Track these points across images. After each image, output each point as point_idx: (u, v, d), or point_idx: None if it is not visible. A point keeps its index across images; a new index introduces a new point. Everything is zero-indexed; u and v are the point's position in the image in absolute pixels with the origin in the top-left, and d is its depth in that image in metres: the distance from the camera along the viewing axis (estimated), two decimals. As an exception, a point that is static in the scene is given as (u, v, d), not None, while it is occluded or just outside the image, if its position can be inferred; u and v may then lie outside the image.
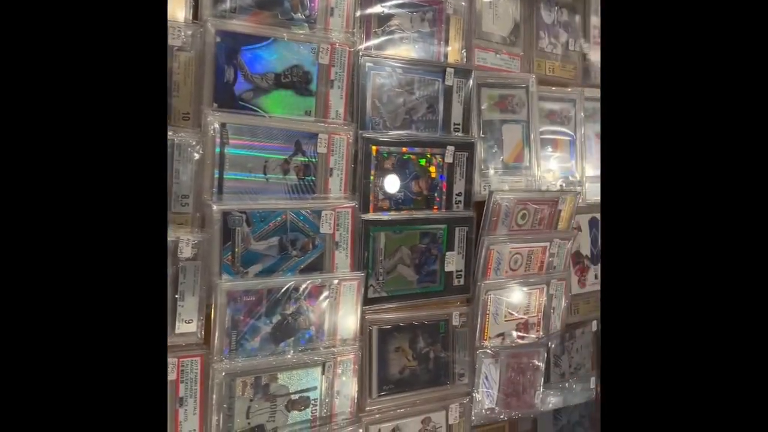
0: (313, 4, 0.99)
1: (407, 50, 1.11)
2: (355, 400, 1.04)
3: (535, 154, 1.28)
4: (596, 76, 1.42)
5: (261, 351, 0.96)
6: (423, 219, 1.12)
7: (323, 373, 1.01)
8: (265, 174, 0.96)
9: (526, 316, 1.25)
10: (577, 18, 1.39)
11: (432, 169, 1.13)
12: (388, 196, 1.08)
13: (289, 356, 0.98)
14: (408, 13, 1.11)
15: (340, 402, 1.02)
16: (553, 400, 1.32)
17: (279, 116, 0.97)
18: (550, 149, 1.33)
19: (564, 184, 1.32)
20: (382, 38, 1.08)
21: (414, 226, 1.11)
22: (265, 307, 0.96)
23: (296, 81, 0.98)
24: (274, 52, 0.96)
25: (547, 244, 1.26)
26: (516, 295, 1.23)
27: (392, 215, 1.09)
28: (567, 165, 1.35)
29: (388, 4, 1.08)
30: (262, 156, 0.95)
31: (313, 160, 1.00)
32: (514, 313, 1.24)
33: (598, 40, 1.43)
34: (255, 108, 0.94)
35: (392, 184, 1.08)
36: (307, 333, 1.00)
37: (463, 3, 1.17)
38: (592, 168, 1.40)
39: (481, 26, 1.23)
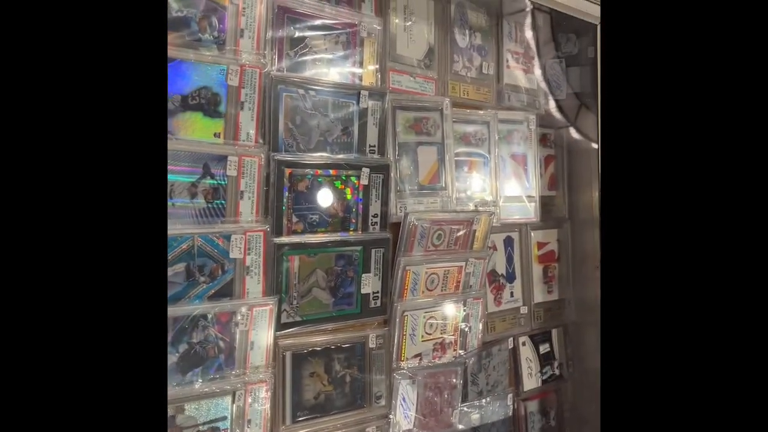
0: (222, 26, 0.97)
1: (321, 72, 1.11)
2: (268, 429, 1.02)
3: (451, 175, 1.30)
4: (510, 98, 1.46)
5: (167, 382, 0.92)
6: (338, 241, 1.11)
7: (233, 402, 0.98)
8: (171, 198, 0.93)
9: (443, 336, 1.27)
10: (491, 42, 1.44)
11: (348, 190, 1.13)
12: (302, 219, 1.07)
13: (197, 386, 0.95)
14: (322, 35, 1.11)
15: (252, 431, 1.00)
16: (472, 418, 1.33)
17: (186, 138, 0.94)
18: (465, 170, 1.36)
19: (479, 205, 1.35)
20: (296, 60, 1.07)
21: (329, 249, 1.11)
22: (171, 336, 0.92)
23: (204, 103, 0.96)
24: (181, 73, 0.93)
25: (463, 263, 1.28)
26: (433, 315, 1.24)
27: (306, 238, 1.07)
28: (482, 186, 1.38)
29: (301, 26, 1.08)
30: (168, 179, 0.92)
31: (223, 183, 0.97)
32: (430, 333, 1.25)
33: (511, 63, 1.48)
34: (159, 130, 0.91)
35: (306, 206, 1.07)
36: (216, 361, 0.97)
37: (377, 26, 1.18)
38: (506, 188, 1.44)
39: (395, 49, 1.24)
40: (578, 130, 1.57)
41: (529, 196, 1.48)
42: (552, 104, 1.56)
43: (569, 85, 1.56)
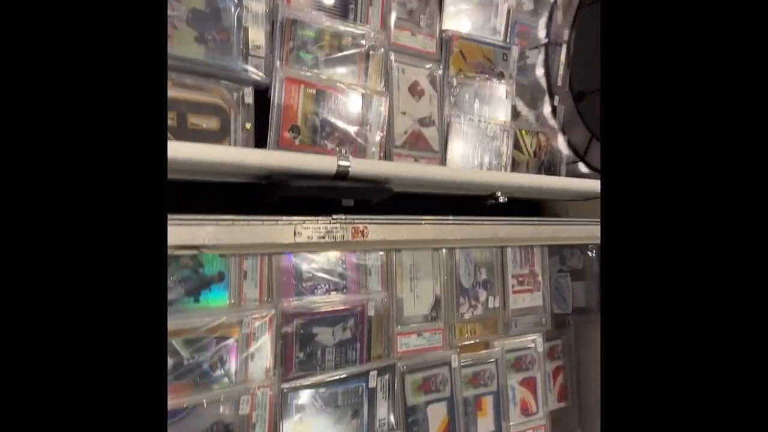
0: (230, 356, 1.00)
1: (328, 370, 1.12)
2: None
3: (464, 427, 1.30)
4: (516, 324, 1.47)
5: None
6: None
7: None
8: None
9: None
10: (496, 272, 1.46)
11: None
12: None
13: None
14: (328, 328, 1.13)
15: None
16: None
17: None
18: (476, 412, 1.37)
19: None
20: (301, 373, 1.09)
21: None
22: None
23: (216, 435, 0.97)
24: (195, 417, 0.95)
25: None
26: None
27: None
28: (491, 428, 1.39)
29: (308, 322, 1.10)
30: None
31: None
32: None
33: (516, 288, 1.49)
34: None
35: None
36: None
37: (383, 298, 1.20)
38: (514, 416, 1.44)
39: (402, 313, 1.26)
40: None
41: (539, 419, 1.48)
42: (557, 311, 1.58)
43: (574, 299, 1.58)
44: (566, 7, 1.63)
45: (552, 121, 1.60)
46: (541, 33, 1.59)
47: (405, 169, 1.10)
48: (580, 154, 1.62)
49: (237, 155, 0.90)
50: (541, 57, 1.59)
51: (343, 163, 1.01)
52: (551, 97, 1.59)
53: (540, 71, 1.59)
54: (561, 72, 1.60)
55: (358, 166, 1.02)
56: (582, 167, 1.62)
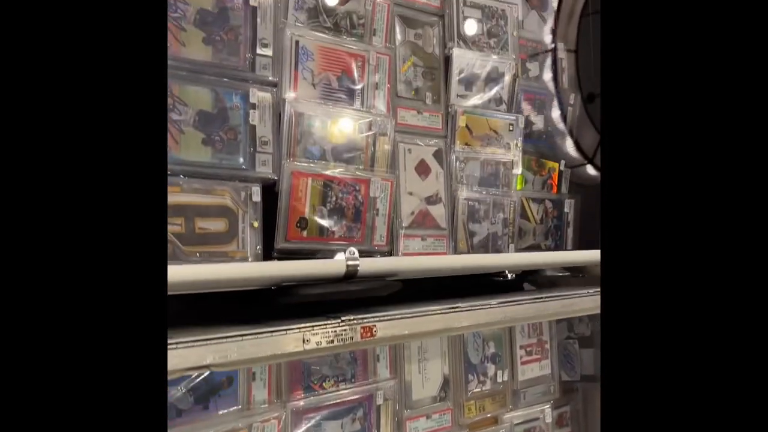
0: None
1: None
2: None
3: None
4: (525, 396, 1.47)
5: None
6: None
7: None
8: None
9: None
10: (505, 345, 1.45)
11: None
12: None
13: None
14: (337, 421, 1.13)
15: None
16: None
17: None
18: (484, 490, 1.36)
19: None
20: None
21: None
22: None
23: None
24: None
25: None
26: None
27: None
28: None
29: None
30: None
31: None
32: None
33: (525, 359, 1.49)
34: None
35: None
36: None
37: (392, 383, 1.20)
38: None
39: (411, 396, 1.26)
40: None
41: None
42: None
43: (582, 366, 1.57)
44: (570, 13, 1.64)
45: (561, 125, 1.60)
46: (547, 38, 1.60)
47: (413, 263, 1.10)
48: (588, 157, 1.63)
49: (244, 271, 0.90)
50: (549, 61, 1.59)
51: (351, 263, 1.01)
52: (559, 100, 1.60)
53: (548, 75, 1.59)
54: (566, 76, 1.61)
55: (367, 265, 1.02)
56: (590, 170, 1.62)
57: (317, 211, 1.13)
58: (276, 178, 1.08)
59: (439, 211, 1.33)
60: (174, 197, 0.97)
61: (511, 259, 1.25)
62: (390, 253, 1.23)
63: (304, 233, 1.11)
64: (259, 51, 1.07)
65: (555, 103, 1.60)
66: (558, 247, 1.57)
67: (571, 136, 1.61)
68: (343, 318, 1.00)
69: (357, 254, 1.08)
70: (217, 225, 1.01)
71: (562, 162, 1.60)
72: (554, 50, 1.59)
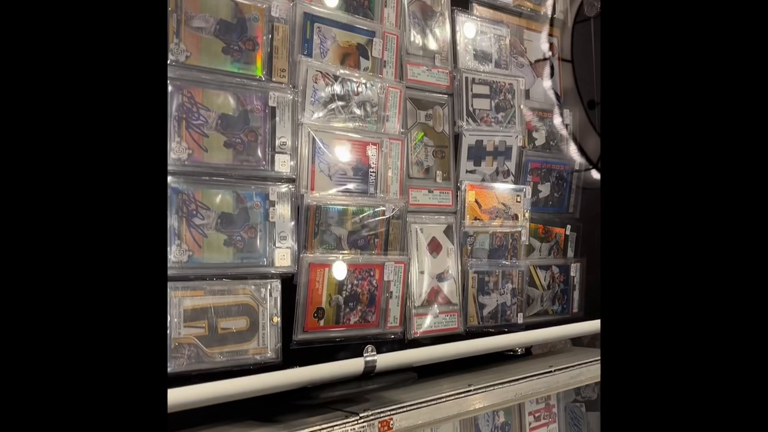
0: None
1: None
2: None
3: None
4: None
5: None
6: None
7: None
8: None
9: None
10: (514, 414, 1.48)
11: None
12: None
13: None
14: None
15: None
16: None
17: None
18: None
19: None
20: None
21: None
22: None
23: None
24: None
25: None
26: None
27: None
28: None
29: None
30: None
31: None
32: None
33: (535, 424, 1.52)
34: None
35: None
36: None
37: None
38: None
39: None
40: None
41: None
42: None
43: (589, 430, 1.60)
44: (564, 22, 1.68)
45: (564, 131, 1.63)
46: (545, 46, 1.63)
47: (428, 354, 1.14)
48: (592, 162, 1.66)
49: (265, 381, 0.93)
50: (547, 70, 1.62)
51: (369, 359, 1.04)
52: (560, 108, 1.63)
53: (548, 83, 1.62)
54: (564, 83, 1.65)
55: (384, 360, 1.05)
56: (595, 174, 1.65)
57: (333, 299, 1.16)
58: (294, 271, 1.11)
59: (450, 287, 1.36)
60: (197, 301, 0.99)
61: (520, 338, 1.28)
62: (403, 334, 1.26)
63: (321, 322, 1.14)
64: (277, 149, 1.10)
65: (556, 110, 1.63)
66: (565, 311, 1.61)
67: (575, 142, 1.64)
68: (361, 415, 1.03)
69: (374, 351, 1.11)
70: (238, 323, 1.04)
71: (568, 227, 1.63)
72: (551, 58, 1.62)
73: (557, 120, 1.62)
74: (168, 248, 0.98)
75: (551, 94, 1.63)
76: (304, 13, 1.15)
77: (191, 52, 1.01)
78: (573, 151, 1.64)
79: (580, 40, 1.68)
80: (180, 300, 0.97)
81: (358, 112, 1.22)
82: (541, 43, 1.63)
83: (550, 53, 1.64)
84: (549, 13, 1.63)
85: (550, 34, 1.64)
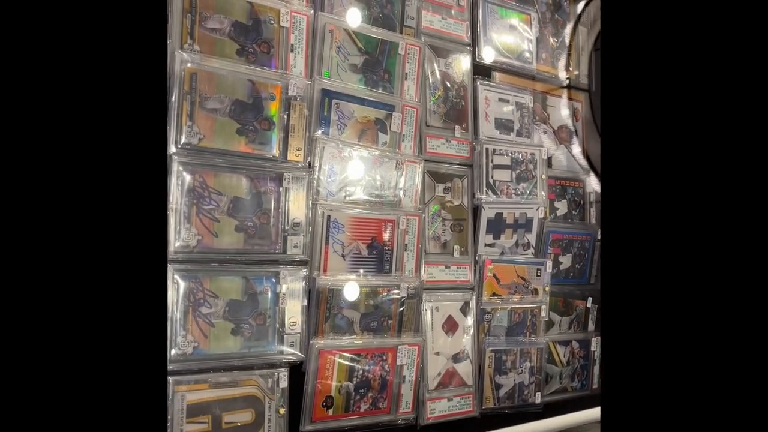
0: None
1: None
2: None
3: None
4: None
5: None
6: None
7: None
8: None
9: None
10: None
11: None
12: None
13: None
14: None
15: None
16: None
17: None
18: None
19: None
20: None
21: None
22: None
23: None
24: None
25: None
26: None
27: None
28: None
29: None
30: None
31: None
32: None
33: None
34: None
35: None
36: None
37: None
38: None
39: None
40: None
41: None
42: None
43: None
44: (581, 49, 1.63)
45: (582, 161, 1.58)
46: (562, 75, 1.58)
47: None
48: None
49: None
50: (565, 99, 1.57)
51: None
52: (579, 137, 1.57)
53: (565, 112, 1.57)
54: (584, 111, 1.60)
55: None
56: None
57: (343, 387, 1.10)
58: (303, 358, 1.06)
59: (465, 368, 1.30)
60: (201, 395, 0.95)
61: (538, 426, 1.22)
62: (416, 420, 1.21)
63: (330, 411, 1.09)
64: (290, 231, 1.06)
65: (580, 178, 1.58)
66: (584, 387, 1.54)
67: (593, 170, 1.59)
68: None
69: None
70: (244, 417, 0.99)
71: (590, 299, 1.57)
72: (569, 87, 1.58)
73: (581, 187, 1.58)
74: (172, 339, 0.94)
75: (575, 162, 1.58)
76: (322, 89, 1.12)
77: (204, 134, 0.98)
78: (595, 218, 1.59)
79: (597, 69, 1.65)
80: (183, 395, 0.93)
81: (374, 189, 1.18)
82: (563, 109, 1.59)
83: (573, 119, 1.60)
84: (572, 77, 1.60)
85: (573, 99, 1.61)
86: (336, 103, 1.13)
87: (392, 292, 1.18)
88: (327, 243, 1.11)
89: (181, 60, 0.96)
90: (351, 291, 1.11)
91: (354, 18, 1.17)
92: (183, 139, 0.96)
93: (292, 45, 1.08)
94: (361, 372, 1.12)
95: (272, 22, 1.06)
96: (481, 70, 1.40)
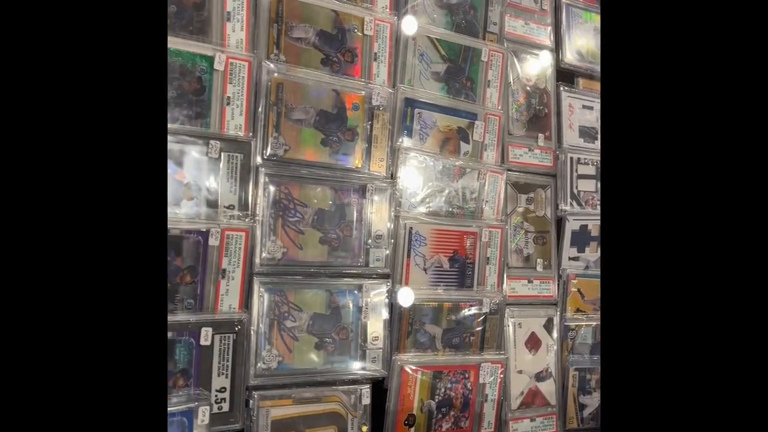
0: None
1: None
2: None
3: None
4: None
5: None
6: None
7: None
8: None
9: None
10: None
11: None
12: None
13: None
14: None
15: None
16: None
17: None
18: None
19: None
20: None
21: None
22: None
23: None
24: None
25: None
26: None
27: None
28: None
29: None
30: None
31: None
32: None
33: None
34: None
35: None
36: None
37: None
38: None
39: None
40: None
41: None
42: None
43: None
44: None
45: None
46: None
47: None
48: None
49: None
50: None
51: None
52: None
53: None
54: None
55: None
56: None
57: (425, 405, 1.07)
58: (386, 374, 1.03)
59: (549, 388, 1.24)
60: (285, 410, 0.93)
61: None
62: (498, 441, 1.16)
63: (412, 430, 1.05)
64: (372, 244, 1.03)
65: None
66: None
67: None
68: None
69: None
70: (326, 434, 0.97)
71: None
72: None
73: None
74: (257, 353, 0.92)
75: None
76: (405, 98, 1.09)
77: (290, 145, 0.97)
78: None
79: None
80: (268, 411, 0.92)
81: (455, 201, 1.14)
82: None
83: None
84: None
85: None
86: (419, 113, 1.10)
87: (474, 306, 1.13)
88: (409, 256, 1.08)
89: (268, 70, 0.95)
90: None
91: (437, 25, 1.14)
92: (269, 151, 0.95)
93: (375, 53, 1.06)
94: (443, 390, 1.09)
95: (356, 30, 1.04)
96: (564, 76, 1.35)
